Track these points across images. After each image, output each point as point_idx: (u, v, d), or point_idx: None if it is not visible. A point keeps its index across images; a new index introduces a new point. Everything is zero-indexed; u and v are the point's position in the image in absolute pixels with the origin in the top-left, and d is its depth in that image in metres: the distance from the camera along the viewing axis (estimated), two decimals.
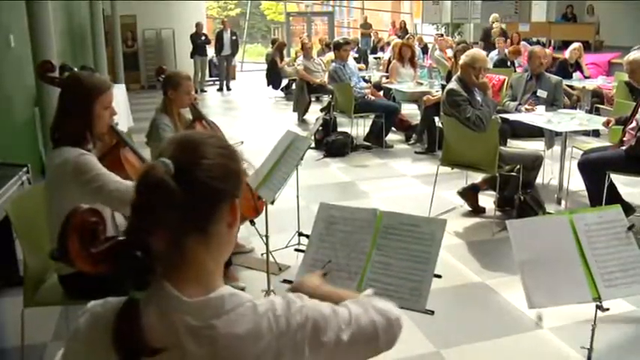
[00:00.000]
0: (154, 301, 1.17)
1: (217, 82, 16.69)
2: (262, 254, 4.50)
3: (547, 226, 2.69)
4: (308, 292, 1.71)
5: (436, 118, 7.66)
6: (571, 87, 10.02)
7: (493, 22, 16.11)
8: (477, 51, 5.71)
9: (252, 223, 4.52)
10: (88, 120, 2.77)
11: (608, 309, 2.57)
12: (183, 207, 1.16)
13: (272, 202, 3.68)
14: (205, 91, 15.91)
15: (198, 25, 15.55)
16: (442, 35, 15.38)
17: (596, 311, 2.61)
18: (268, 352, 1.20)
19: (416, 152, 8.32)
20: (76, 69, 3.12)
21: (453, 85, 5.41)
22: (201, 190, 1.19)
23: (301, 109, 10.85)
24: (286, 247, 4.67)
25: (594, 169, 5.29)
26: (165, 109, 4.28)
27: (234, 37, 16.21)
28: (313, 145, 8.36)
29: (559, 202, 5.94)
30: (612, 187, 5.38)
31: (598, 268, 2.58)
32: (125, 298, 1.17)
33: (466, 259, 4.80)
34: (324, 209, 2.69)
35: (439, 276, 2.37)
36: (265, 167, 3.78)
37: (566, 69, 10.32)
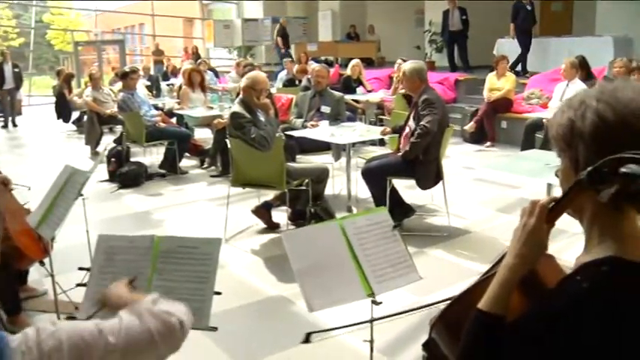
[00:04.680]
0: None
1: (2, 119, 15.60)
2: (58, 294, 4.33)
3: (319, 234, 2.86)
4: (113, 302, 1.72)
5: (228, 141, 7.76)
6: (356, 101, 10.62)
7: None
8: (258, 73, 5.89)
9: (42, 263, 4.32)
10: None
11: (381, 302, 2.77)
12: None
13: (52, 239, 3.58)
14: None
15: None
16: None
17: (372, 306, 2.81)
18: None
19: (211, 176, 8.37)
20: None
21: (236, 107, 5.53)
22: None
23: (93, 141, 10.50)
24: (81, 284, 4.51)
25: (375, 176, 5.65)
26: None
27: (16, 69, 15.19)
28: (108, 177, 8.18)
29: (350, 210, 6.24)
30: (394, 191, 5.79)
31: (370, 267, 2.78)
32: None
33: (263, 274, 4.92)
34: (102, 240, 2.68)
35: (219, 293, 2.43)
36: (44, 205, 3.65)
37: (350, 84, 10.92)
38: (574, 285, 1.21)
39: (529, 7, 12.14)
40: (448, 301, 1.55)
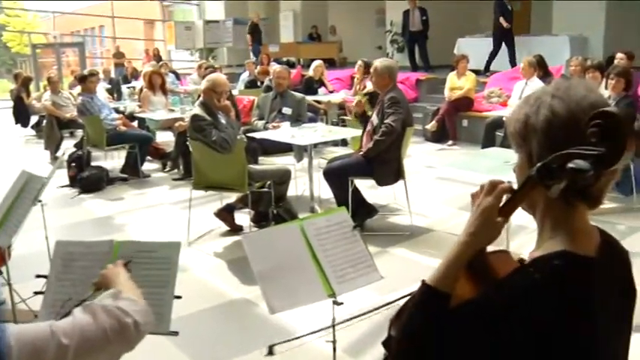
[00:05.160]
0: None
1: None
2: (17, 304, 4.26)
3: (280, 236, 2.87)
4: (108, 282, 1.77)
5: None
6: (318, 102, 10.63)
7: None
8: (218, 75, 5.87)
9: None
10: None
11: (342, 303, 2.79)
12: None
13: (9, 247, 3.53)
14: None
15: None
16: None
17: (333, 306, 2.82)
18: None
19: (173, 179, 8.29)
20: None
21: (196, 110, 5.51)
22: None
23: (53, 146, 10.33)
24: (39, 292, 4.45)
25: (337, 176, 5.66)
26: None
27: None
28: (68, 182, 8.06)
29: (312, 211, 6.21)
30: (356, 191, 5.81)
31: (330, 267, 2.79)
32: None
33: (226, 277, 4.90)
34: (60, 246, 2.65)
35: (179, 297, 2.42)
36: (0, 211, 3.59)
37: (311, 85, 10.93)
38: (527, 276, 1.23)
39: (510, 7, 12.03)
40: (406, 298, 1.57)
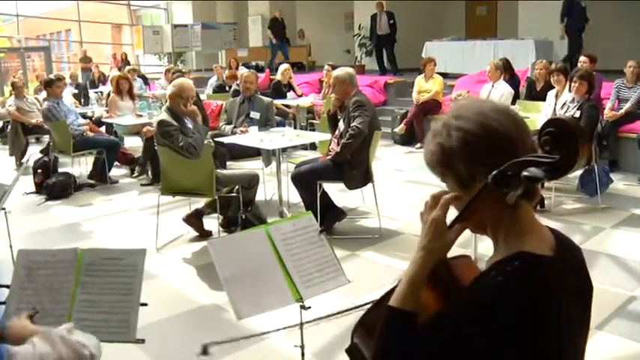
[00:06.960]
0: None
1: None
2: None
3: (246, 241, 2.87)
4: (14, 333, 1.70)
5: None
6: (287, 106, 10.64)
7: None
8: (184, 80, 5.83)
9: None
10: None
11: (310, 307, 2.79)
12: None
13: None
14: None
15: None
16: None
17: (301, 311, 2.82)
18: None
19: (142, 185, 8.24)
20: None
21: (163, 115, 5.48)
22: None
23: (18, 152, 10.16)
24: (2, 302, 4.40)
25: (305, 180, 5.67)
26: None
27: None
28: (34, 189, 7.96)
29: (282, 215, 6.20)
30: (325, 195, 5.82)
31: (297, 272, 2.80)
32: None
33: (195, 283, 4.88)
34: (23, 256, 2.62)
35: (145, 304, 2.41)
36: None
37: (280, 89, 10.93)
38: (489, 280, 1.25)
39: (583, 4, 11.10)
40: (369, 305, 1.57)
